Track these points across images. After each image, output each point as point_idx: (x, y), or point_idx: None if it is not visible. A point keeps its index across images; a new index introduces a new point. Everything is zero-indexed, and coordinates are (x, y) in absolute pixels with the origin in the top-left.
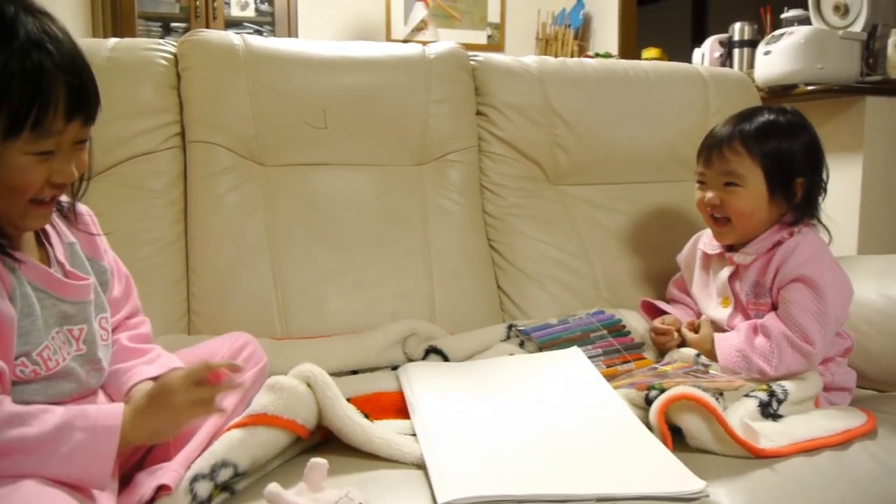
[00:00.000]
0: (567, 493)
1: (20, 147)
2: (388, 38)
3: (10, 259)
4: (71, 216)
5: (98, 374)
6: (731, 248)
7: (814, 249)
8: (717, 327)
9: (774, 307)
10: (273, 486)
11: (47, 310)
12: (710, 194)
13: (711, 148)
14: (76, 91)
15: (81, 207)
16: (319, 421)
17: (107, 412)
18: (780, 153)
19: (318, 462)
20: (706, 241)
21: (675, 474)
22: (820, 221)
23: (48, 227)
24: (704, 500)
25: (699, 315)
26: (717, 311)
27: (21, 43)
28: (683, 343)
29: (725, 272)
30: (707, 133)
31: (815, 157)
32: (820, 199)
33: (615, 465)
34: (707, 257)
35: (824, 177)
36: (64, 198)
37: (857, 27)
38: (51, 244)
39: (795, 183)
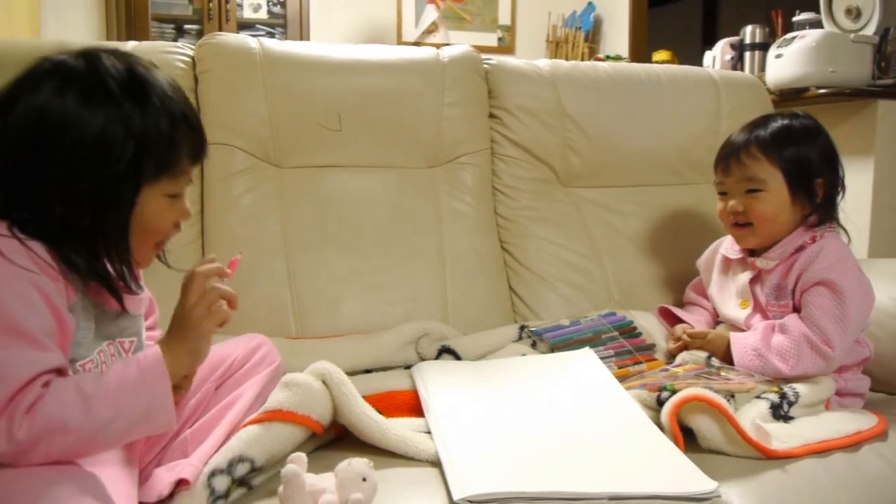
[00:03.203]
0: (580, 490)
1: (162, 189)
2: (399, 40)
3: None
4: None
5: None
6: (752, 253)
7: (838, 254)
8: (735, 327)
9: (795, 309)
10: (291, 467)
11: (102, 323)
12: (732, 202)
13: (729, 156)
14: (196, 135)
15: None
16: (334, 418)
17: (145, 353)
18: (798, 155)
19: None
20: (728, 245)
21: (687, 474)
22: (838, 222)
23: None
24: (716, 500)
25: (715, 317)
26: (736, 311)
27: (160, 98)
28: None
29: (746, 275)
30: (722, 142)
31: (832, 156)
32: (838, 198)
33: (627, 465)
34: (728, 261)
35: (841, 175)
36: None
37: (869, 30)
38: None
39: (816, 184)
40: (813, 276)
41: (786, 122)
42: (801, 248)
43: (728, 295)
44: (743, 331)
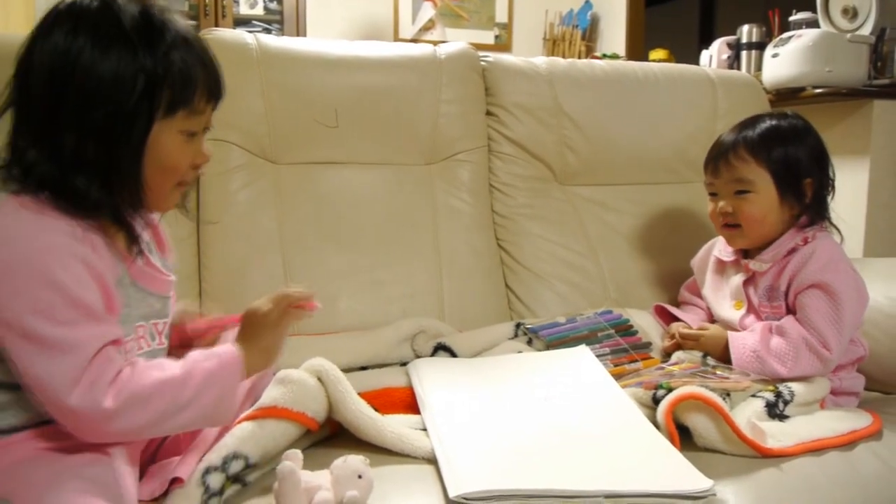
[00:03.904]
0: (576, 488)
1: (176, 125)
2: (396, 38)
3: (118, 253)
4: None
5: None
6: (745, 255)
7: (830, 255)
8: (729, 327)
9: (789, 310)
10: (287, 464)
11: (136, 302)
12: (721, 203)
13: (718, 157)
14: (213, 76)
15: None
16: (330, 415)
17: (224, 349)
18: (786, 156)
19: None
20: (721, 247)
21: (683, 473)
22: (830, 222)
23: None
24: (712, 498)
25: (710, 317)
26: (730, 312)
27: (174, 36)
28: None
29: (739, 277)
30: (712, 143)
31: (821, 156)
32: (829, 198)
33: (623, 463)
34: (721, 263)
35: (831, 175)
36: None
37: (866, 30)
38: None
39: (804, 184)
40: (806, 278)
41: (774, 122)
42: (793, 250)
43: (722, 296)
44: (737, 331)
